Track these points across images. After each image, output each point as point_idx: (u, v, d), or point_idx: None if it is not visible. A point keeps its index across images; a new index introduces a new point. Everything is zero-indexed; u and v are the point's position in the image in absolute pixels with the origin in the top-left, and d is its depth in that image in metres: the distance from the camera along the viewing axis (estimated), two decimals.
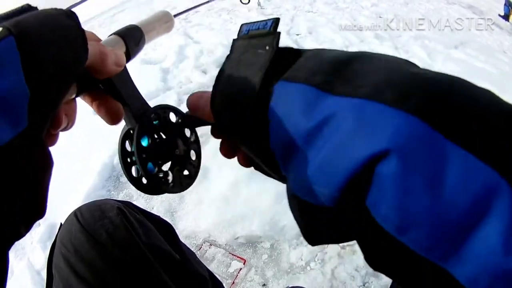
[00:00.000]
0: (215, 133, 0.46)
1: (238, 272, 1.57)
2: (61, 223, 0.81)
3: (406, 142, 0.22)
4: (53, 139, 0.39)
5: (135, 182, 0.48)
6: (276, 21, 0.35)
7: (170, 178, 0.49)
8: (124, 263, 0.73)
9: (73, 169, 2.30)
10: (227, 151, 0.46)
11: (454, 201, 0.21)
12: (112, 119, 0.44)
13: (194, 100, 0.43)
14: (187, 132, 0.54)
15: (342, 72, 0.28)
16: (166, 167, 0.49)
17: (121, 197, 2.06)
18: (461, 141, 0.22)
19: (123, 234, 0.76)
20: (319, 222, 0.30)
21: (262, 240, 1.68)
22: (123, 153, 0.48)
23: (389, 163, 0.23)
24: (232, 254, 1.64)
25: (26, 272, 1.73)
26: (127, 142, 0.50)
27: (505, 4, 7.58)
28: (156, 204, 1.97)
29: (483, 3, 9.41)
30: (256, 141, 0.34)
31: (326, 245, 1.64)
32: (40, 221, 1.98)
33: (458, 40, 4.33)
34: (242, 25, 0.39)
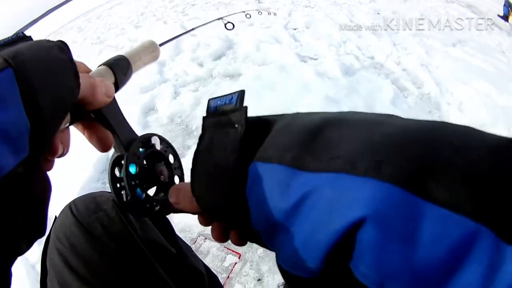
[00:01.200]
0: (203, 222, 0.44)
1: (233, 267, 1.57)
2: (55, 216, 0.79)
3: (380, 208, 0.23)
4: (50, 165, 0.42)
5: (124, 205, 0.53)
6: (240, 94, 0.35)
7: (156, 203, 0.53)
8: (120, 257, 0.73)
9: (68, 161, 2.28)
10: (219, 235, 0.44)
11: (429, 256, 0.22)
12: (103, 147, 0.47)
13: (174, 194, 0.43)
14: (171, 158, 0.58)
15: (313, 144, 0.29)
16: (152, 191, 0.54)
17: None
18: (434, 197, 0.23)
19: (118, 227, 0.75)
20: None
21: None
22: (113, 178, 0.52)
23: (366, 230, 0.24)
24: (227, 248, 1.64)
25: (21, 266, 1.72)
26: (116, 168, 0.55)
27: (504, 5, 7.63)
28: None
29: (482, 3, 9.45)
30: (240, 222, 0.34)
31: None
32: None
33: (456, 38, 4.36)
34: (209, 100, 0.39)
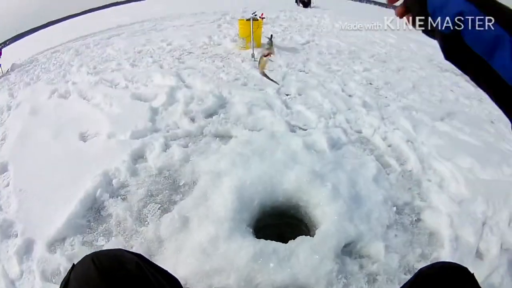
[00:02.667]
0: (400, 14, 0.81)
1: None
2: (73, 264, 0.98)
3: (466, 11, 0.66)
4: None
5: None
6: None
7: None
8: None
9: (57, 193, 2.57)
10: (401, 14, 0.81)
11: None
12: None
13: None
14: None
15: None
16: None
17: (100, 231, 2.29)
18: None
19: (140, 287, 0.94)
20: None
21: None
22: None
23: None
24: None
25: (1, 280, 1.96)
26: None
27: None
28: (136, 245, 2.17)
29: None
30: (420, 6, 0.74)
31: None
32: (18, 233, 2.25)
33: (445, 111, 4.71)
34: None
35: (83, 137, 3.46)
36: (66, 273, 0.97)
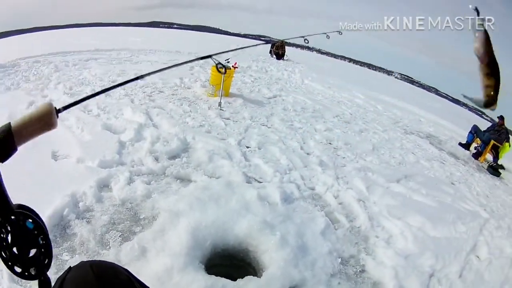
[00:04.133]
0: None
1: None
2: (70, 267, 1.11)
3: None
4: None
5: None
6: None
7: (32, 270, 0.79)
8: None
9: (26, 204, 2.70)
10: None
11: None
12: None
13: None
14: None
15: None
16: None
17: (65, 247, 2.47)
18: None
19: None
20: None
21: None
22: None
23: None
24: None
25: None
26: None
27: (470, 132, 8.55)
28: None
29: (445, 131, 10.51)
30: None
31: None
32: None
33: (403, 173, 5.16)
34: None
35: (55, 156, 3.68)
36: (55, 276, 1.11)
